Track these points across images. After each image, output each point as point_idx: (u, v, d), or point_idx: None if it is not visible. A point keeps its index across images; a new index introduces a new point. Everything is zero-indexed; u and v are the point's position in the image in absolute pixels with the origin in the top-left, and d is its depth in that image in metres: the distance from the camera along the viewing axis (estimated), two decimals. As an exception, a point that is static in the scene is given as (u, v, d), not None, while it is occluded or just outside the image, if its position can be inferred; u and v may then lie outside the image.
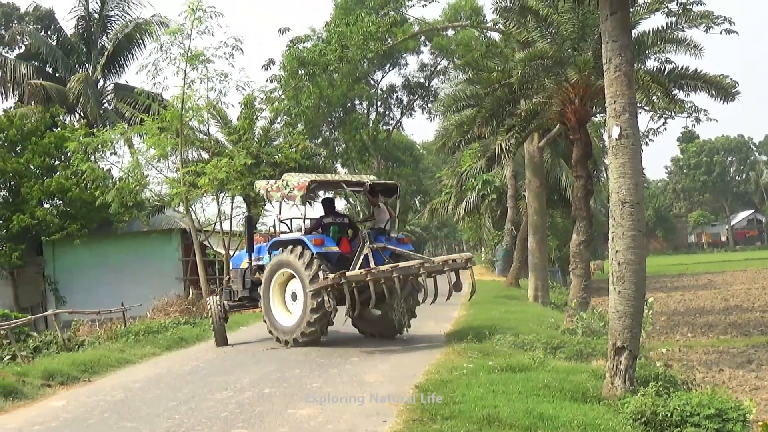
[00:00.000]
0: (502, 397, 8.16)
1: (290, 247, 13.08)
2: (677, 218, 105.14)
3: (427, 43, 45.45)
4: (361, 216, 24.42)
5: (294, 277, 13.05)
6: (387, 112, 50.78)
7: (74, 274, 29.48)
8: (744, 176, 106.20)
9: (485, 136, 21.72)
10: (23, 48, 36.24)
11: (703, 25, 16.46)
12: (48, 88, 33.27)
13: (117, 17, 36.43)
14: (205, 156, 27.24)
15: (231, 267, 16.18)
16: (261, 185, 14.73)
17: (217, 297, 15.22)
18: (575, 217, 17.75)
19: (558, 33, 17.02)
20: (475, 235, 47.09)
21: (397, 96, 50.41)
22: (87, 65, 36.00)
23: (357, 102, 48.29)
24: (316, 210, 15.01)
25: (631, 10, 13.17)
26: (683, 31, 16.86)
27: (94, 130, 25.42)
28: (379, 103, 49.92)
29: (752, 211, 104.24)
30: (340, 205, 51.31)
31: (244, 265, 14.73)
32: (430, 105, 49.20)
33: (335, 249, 13.13)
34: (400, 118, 51.26)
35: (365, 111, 48.93)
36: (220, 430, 7.70)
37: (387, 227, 13.97)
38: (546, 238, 27.29)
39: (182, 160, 24.15)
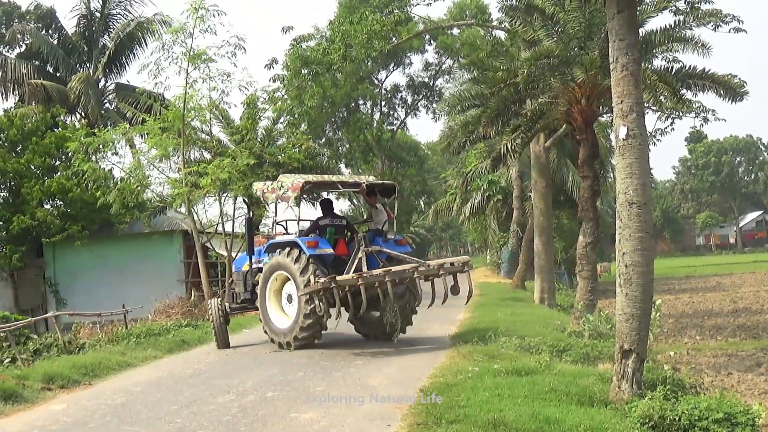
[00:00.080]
0: (507, 401, 8.08)
1: (287, 249, 13.05)
2: (685, 219, 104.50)
3: (432, 42, 45.18)
4: (365, 216, 24.32)
5: (289, 279, 13.03)
6: (391, 112, 50.67)
7: (75, 276, 29.40)
8: (753, 177, 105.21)
9: (490, 136, 21.58)
10: (24, 47, 36.28)
11: (711, 23, 16.29)
12: (49, 87, 33.25)
13: (119, 16, 36.49)
14: (208, 156, 27.20)
15: (234, 269, 16.14)
16: (258, 186, 14.72)
17: (219, 299, 15.17)
18: (582, 218, 17.60)
19: (564, 32, 16.89)
20: (480, 236, 46.96)
21: (401, 95, 50.27)
22: (88, 64, 35.98)
23: (361, 102, 48.20)
24: (319, 211, 14.94)
25: (638, 8, 13.07)
26: (691, 29, 16.71)
27: (96, 130, 25.33)
28: (383, 103, 49.76)
29: (761, 212, 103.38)
30: (344, 206, 51.35)
31: (246, 267, 14.67)
32: (434, 105, 49.09)
33: (329, 251, 13.07)
34: (405, 118, 51.17)
35: (369, 111, 48.84)
36: (222, 434, 7.62)
37: (385, 228, 13.88)
38: (552, 239, 27.14)
39: (184, 160, 24.04)
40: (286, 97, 28.13)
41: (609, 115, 18.98)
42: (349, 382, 9.94)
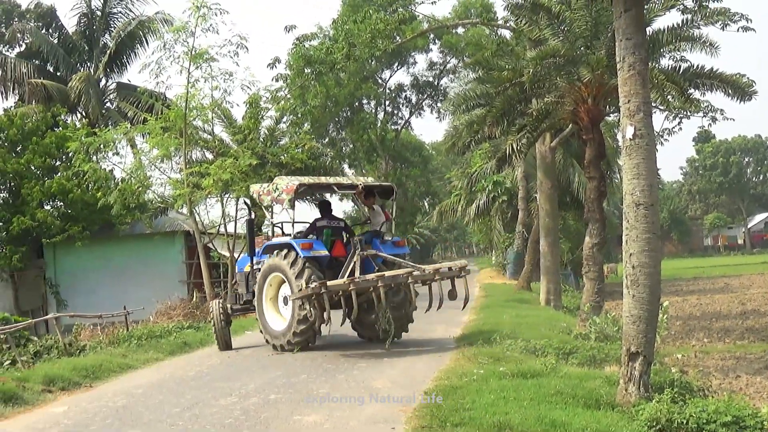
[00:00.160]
0: (513, 404, 8.00)
1: (283, 251, 13.00)
2: (693, 220, 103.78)
3: (437, 41, 45.00)
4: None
5: (285, 281, 12.98)
6: (395, 112, 50.64)
7: (76, 277, 29.31)
8: (761, 177, 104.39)
9: (496, 136, 21.47)
10: (24, 46, 36.29)
11: (720, 22, 16.18)
12: (49, 87, 33.24)
13: (120, 14, 36.46)
14: (210, 156, 27.12)
15: (236, 270, 16.09)
16: (254, 189, 14.65)
17: (221, 300, 15.11)
18: (588, 219, 17.48)
19: (570, 31, 16.78)
20: (485, 237, 46.90)
21: (405, 95, 50.22)
22: (89, 64, 35.91)
23: (365, 101, 47.98)
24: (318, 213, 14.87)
25: (645, 7, 12.92)
26: (699, 28, 16.60)
27: (96, 130, 25.25)
28: (387, 103, 49.67)
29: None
30: (347, 207, 51.27)
31: (248, 268, 14.63)
32: (439, 104, 48.99)
33: (324, 253, 12.99)
34: (409, 118, 51.16)
35: (373, 110, 48.68)
36: (224, 437, 7.56)
37: (383, 230, 13.80)
38: (558, 240, 26.97)
39: (186, 160, 23.96)
40: (288, 96, 28.11)
41: (616, 114, 18.83)
42: (353, 385, 9.87)
